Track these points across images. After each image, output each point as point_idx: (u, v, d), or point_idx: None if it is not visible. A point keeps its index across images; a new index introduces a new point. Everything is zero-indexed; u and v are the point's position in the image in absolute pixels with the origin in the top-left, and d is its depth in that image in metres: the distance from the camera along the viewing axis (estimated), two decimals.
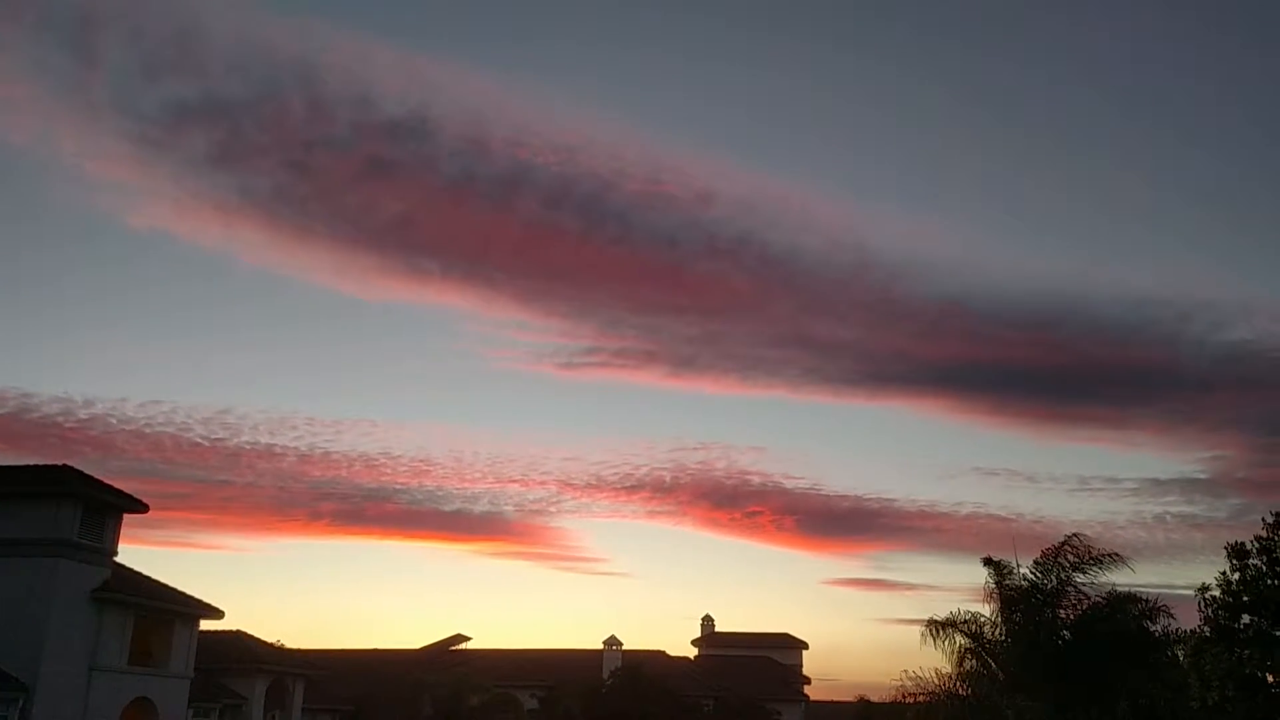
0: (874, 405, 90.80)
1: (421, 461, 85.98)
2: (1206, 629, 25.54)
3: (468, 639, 57.64)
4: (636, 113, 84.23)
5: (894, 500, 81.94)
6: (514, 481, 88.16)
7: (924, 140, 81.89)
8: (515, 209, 71.70)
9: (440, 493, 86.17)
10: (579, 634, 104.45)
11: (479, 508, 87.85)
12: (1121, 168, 78.90)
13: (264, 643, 44.10)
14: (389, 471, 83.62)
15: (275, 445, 79.63)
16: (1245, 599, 25.21)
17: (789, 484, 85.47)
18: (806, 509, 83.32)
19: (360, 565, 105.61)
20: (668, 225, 74.03)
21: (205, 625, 34.89)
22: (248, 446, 78.38)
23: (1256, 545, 25.50)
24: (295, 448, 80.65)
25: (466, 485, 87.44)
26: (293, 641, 54.89)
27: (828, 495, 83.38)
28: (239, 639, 42.06)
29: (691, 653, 67.93)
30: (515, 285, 77.89)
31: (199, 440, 75.68)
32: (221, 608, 34.01)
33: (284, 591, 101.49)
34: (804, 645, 69.19)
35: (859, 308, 76.56)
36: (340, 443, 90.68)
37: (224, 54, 69.06)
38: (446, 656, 53.61)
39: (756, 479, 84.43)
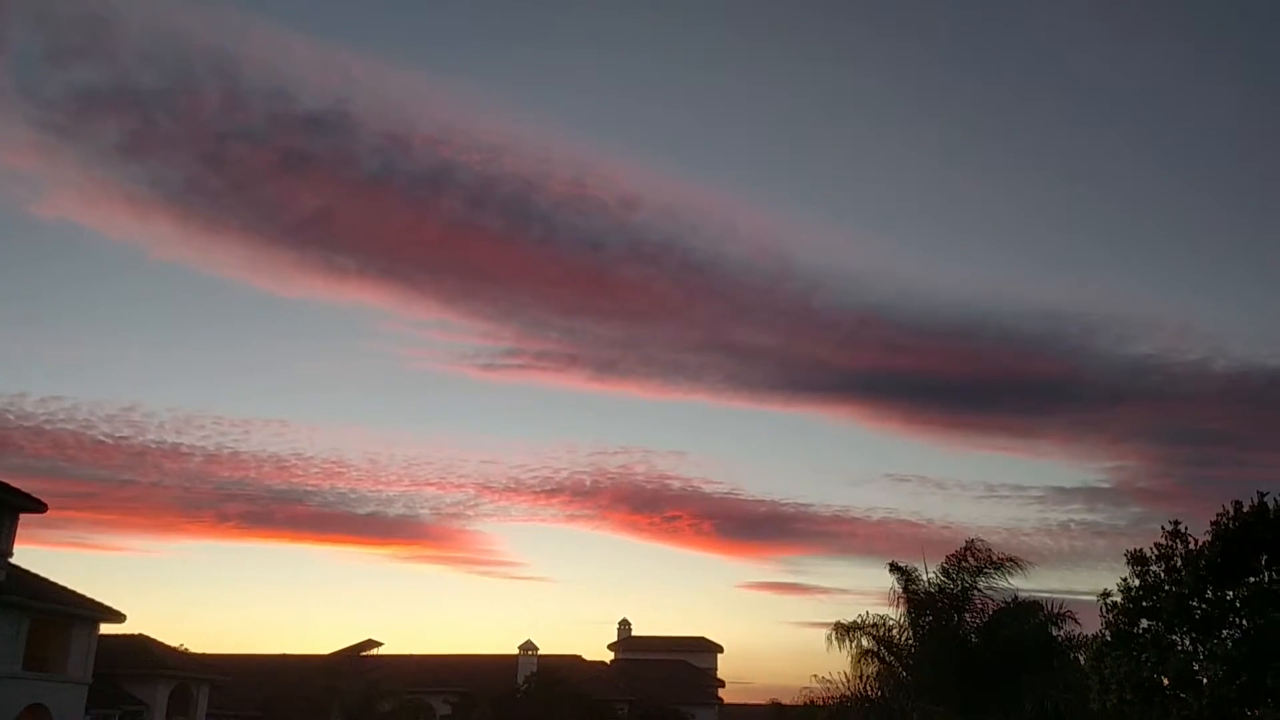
0: (792, 412, 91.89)
1: (334, 463, 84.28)
2: (1107, 634, 26.21)
3: (380, 644, 56.76)
4: (562, 115, 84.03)
5: (809, 505, 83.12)
6: (431, 484, 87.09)
7: (846, 153, 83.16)
8: (437, 207, 70.85)
9: (354, 495, 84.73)
10: (495, 639, 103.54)
11: (394, 511, 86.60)
12: (1035, 184, 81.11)
13: (167, 647, 42.99)
14: (300, 473, 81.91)
15: (182, 444, 77.29)
16: (1144, 605, 25.91)
17: (708, 489, 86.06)
18: (725, 514, 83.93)
19: (269, 569, 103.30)
20: (592, 228, 73.93)
21: (106, 629, 33.81)
22: (153, 445, 76.10)
23: (1155, 553, 26.24)
24: (203, 447, 78.47)
25: (381, 488, 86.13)
26: (198, 646, 53.71)
27: (745, 500, 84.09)
28: (141, 643, 40.89)
29: (608, 657, 67.85)
30: (435, 285, 76.89)
31: (102, 438, 73.18)
32: (123, 611, 33.07)
33: (189, 595, 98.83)
34: (719, 649, 69.61)
35: (780, 316, 77.50)
36: (249, 443, 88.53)
37: (136, 41, 67.00)
38: (358, 662, 52.67)
39: (676, 483, 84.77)
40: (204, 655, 50.76)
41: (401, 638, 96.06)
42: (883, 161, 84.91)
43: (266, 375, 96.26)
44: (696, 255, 75.99)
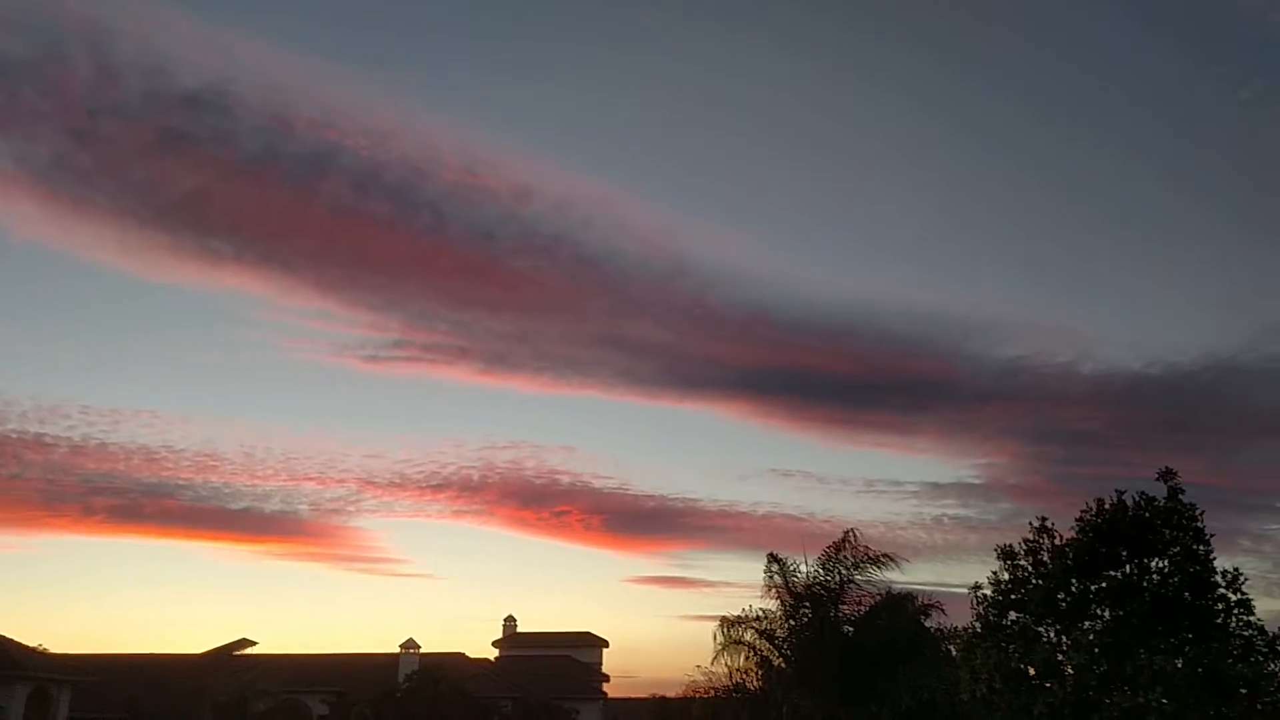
0: (682, 407, 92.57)
1: (208, 456, 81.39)
2: (977, 625, 26.92)
3: (254, 643, 55.10)
4: (452, 102, 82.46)
5: (697, 500, 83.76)
6: (310, 479, 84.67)
7: (740, 153, 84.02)
8: (320, 192, 68.88)
9: (228, 490, 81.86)
10: (376, 638, 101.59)
11: (270, 506, 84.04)
12: (918, 189, 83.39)
13: (25, 647, 41.01)
14: (171, 466, 78.74)
15: (45, 435, 73.55)
16: (1012, 597, 26.66)
17: (598, 484, 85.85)
18: (614, 508, 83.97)
19: (137, 565, 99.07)
20: (483, 219, 72.74)
21: None
22: (14, 435, 72.26)
23: (1024, 547, 27.05)
24: (68, 438, 74.81)
25: (257, 482, 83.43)
26: (61, 646, 51.36)
27: (635, 495, 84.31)
28: None
29: (493, 654, 67.34)
30: (317, 273, 74.75)
31: None
32: None
33: (53, 593, 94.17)
34: (604, 643, 69.78)
35: (673, 312, 77.79)
36: (118, 434, 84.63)
37: (1, 8, 63.53)
38: (230, 661, 51.08)
39: (566, 478, 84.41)
40: (67, 656, 48.62)
41: (278, 637, 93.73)
42: (774, 163, 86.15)
43: (137, 363, 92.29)
44: (590, 249, 75.72)
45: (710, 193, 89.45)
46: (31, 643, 42.82)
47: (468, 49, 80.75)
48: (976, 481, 78.68)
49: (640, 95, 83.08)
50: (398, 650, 54.60)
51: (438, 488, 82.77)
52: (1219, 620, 24.55)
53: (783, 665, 22.28)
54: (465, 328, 78.40)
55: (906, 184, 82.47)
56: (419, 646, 54.79)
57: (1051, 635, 25.92)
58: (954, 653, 26.84)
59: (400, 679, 49.76)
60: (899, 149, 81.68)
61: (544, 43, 79.31)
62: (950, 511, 79.53)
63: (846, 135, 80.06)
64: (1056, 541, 26.67)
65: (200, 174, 67.34)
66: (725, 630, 22.88)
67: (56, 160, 66.92)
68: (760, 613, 23.07)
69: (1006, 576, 27.25)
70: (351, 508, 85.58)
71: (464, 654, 60.11)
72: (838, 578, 22.31)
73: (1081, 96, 78.28)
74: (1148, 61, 75.74)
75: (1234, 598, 24.83)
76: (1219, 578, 24.95)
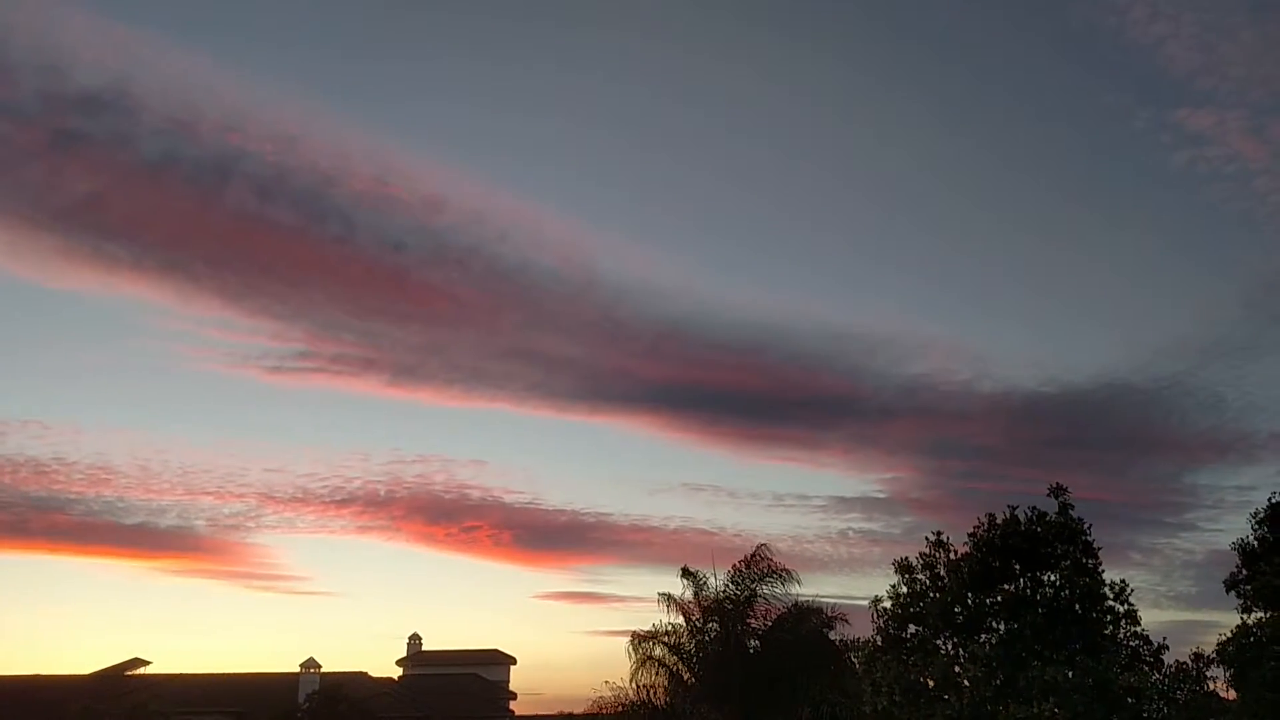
0: (594, 421, 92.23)
1: (100, 469, 78.26)
2: (878, 638, 27.51)
3: (147, 663, 53.30)
4: (363, 109, 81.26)
5: (609, 515, 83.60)
6: (208, 493, 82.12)
7: (652, 169, 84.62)
8: (223, 198, 67.00)
9: (121, 504, 78.97)
10: (276, 658, 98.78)
11: (166, 521, 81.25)
12: (828, 206, 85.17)
13: None
14: (61, 479, 75.63)
15: None
16: (911, 610, 27.32)
17: (509, 498, 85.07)
18: (525, 523, 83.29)
19: (22, 582, 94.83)
20: (394, 228, 71.66)
21: None
22: None
23: (921, 561, 27.77)
24: None
25: (152, 496, 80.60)
26: None
27: (546, 510, 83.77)
28: None
29: (397, 673, 66.22)
30: (219, 280, 72.51)
31: None
32: None
33: None
34: (512, 660, 69.15)
35: (585, 326, 77.74)
36: (4, 445, 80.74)
37: None
38: (121, 682, 49.31)
39: (476, 493, 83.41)
40: None
41: (173, 657, 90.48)
42: (684, 180, 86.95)
43: (26, 372, 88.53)
44: (502, 261, 75.23)
45: (621, 206, 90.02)
46: None
47: (381, 56, 79.88)
48: (881, 496, 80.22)
49: (554, 108, 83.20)
50: (298, 670, 53.35)
51: (342, 503, 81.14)
52: (1108, 631, 25.58)
53: (691, 679, 22.45)
54: (373, 338, 77.16)
55: (816, 201, 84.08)
56: (320, 666, 53.62)
57: (949, 648, 26.66)
58: (857, 665, 27.38)
59: (300, 699, 48.62)
60: (809, 165, 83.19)
61: (458, 55, 78.86)
62: (855, 525, 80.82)
63: (757, 151, 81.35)
64: (952, 556, 27.51)
65: (97, 177, 65.09)
66: (636, 645, 23.01)
67: None
68: (670, 627, 23.26)
69: (905, 590, 27.97)
70: (251, 523, 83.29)
71: (367, 673, 58.99)
72: (745, 591, 22.61)
73: (985, 115, 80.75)
74: (1049, 81, 78.66)
75: (1121, 609, 25.92)
76: (1107, 590, 26.03)
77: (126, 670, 52.12)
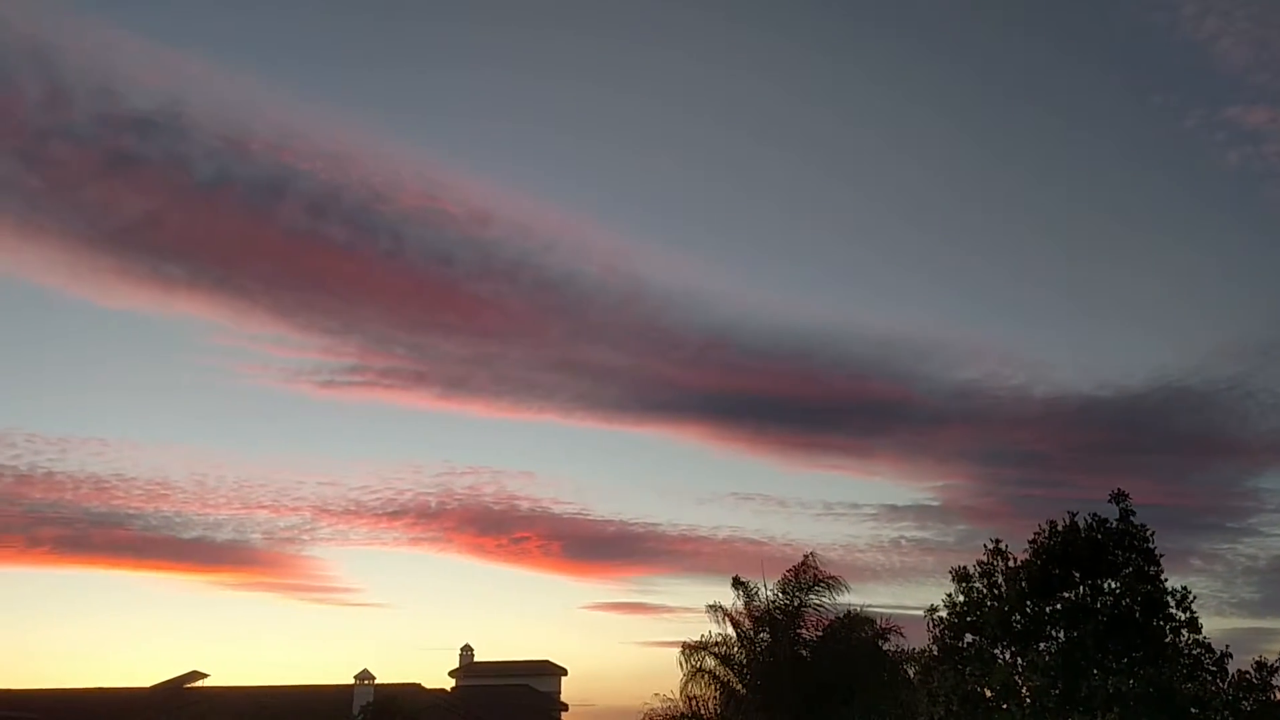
0: (641, 431, 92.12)
1: (159, 484, 79.65)
2: (934, 648, 27.07)
3: (205, 676, 53.97)
4: (412, 125, 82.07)
5: (658, 525, 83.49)
6: (263, 507, 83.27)
7: (695, 179, 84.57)
8: (276, 216, 68.12)
9: (179, 519, 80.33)
10: (330, 670, 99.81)
11: (222, 535, 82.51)
12: (874, 214, 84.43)
13: None
14: (121, 495, 77.12)
15: None
16: (968, 620, 26.86)
17: (557, 509, 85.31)
18: (574, 534, 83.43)
19: (85, 597, 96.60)
20: (442, 242, 72.29)
21: None
22: None
23: (978, 569, 27.29)
24: (13, 467, 73.01)
25: (209, 511, 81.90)
26: (4, 682, 50.07)
27: (595, 520, 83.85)
28: None
29: (450, 684, 66.51)
30: (272, 297, 73.66)
31: None
32: None
33: None
34: (563, 671, 69.13)
35: (630, 336, 77.78)
36: (66, 462, 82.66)
37: None
38: (180, 695, 49.97)
39: (525, 504, 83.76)
40: (9, 692, 47.43)
41: (229, 670, 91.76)
42: (730, 187, 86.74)
43: (86, 390, 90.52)
44: (549, 272, 75.61)
45: (664, 216, 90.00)
46: None
47: (427, 72, 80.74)
48: (933, 503, 79.18)
49: (599, 122, 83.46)
50: (352, 682, 53.70)
51: (394, 515, 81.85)
52: (1169, 639, 24.92)
53: (742, 690, 22.24)
54: (423, 352, 77.84)
55: (861, 208, 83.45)
56: (374, 678, 53.95)
57: (1007, 657, 26.14)
58: (912, 675, 26.97)
59: (355, 711, 48.95)
60: (855, 174, 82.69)
61: (503, 70, 79.50)
62: (908, 534, 79.89)
63: (800, 161, 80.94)
64: (1010, 564, 26.99)
65: (152, 197, 66.44)
66: (687, 656, 22.85)
67: (3, 183, 65.81)
68: (720, 637, 23.07)
69: (961, 599, 27.50)
70: (305, 536, 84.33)
71: (420, 685, 59.24)
72: (795, 601, 22.36)
73: (1033, 123, 79.74)
74: (1096, 88, 77.44)
75: (1182, 616, 25.25)
76: (1169, 597, 25.38)
77: (185, 683, 52.80)
